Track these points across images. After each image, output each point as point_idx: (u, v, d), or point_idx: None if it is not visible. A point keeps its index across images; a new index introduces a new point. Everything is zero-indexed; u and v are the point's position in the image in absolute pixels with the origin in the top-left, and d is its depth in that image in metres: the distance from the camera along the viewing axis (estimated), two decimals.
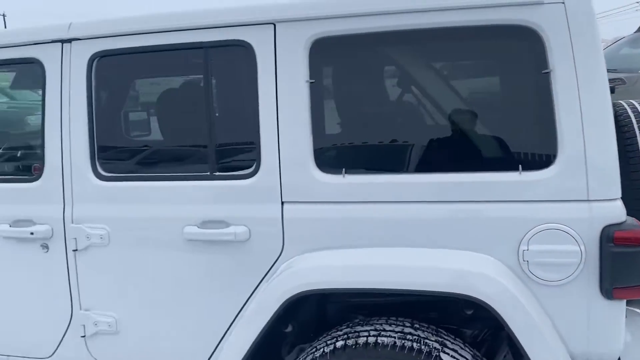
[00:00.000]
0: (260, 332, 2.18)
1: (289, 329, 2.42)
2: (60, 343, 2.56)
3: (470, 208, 2.06)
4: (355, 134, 2.25)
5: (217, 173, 2.30)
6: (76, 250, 2.45)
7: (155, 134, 2.58)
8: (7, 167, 2.82)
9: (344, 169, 2.16)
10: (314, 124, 2.18)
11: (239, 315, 2.30)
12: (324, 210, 2.18)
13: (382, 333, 2.13)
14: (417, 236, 2.09)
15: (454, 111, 2.16)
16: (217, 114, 2.30)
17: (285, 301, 2.13)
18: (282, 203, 2.23)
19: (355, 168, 2.18)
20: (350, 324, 2.26)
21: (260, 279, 2.27)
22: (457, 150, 2.12)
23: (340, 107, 2.31)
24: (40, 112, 2.52)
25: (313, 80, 2.17)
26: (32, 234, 2.47)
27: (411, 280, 2.02)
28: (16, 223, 2.53)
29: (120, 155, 2.50)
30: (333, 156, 2.23)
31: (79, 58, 2.42)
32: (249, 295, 2.29)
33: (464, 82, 2.24)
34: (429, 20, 2.05)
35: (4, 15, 36.77)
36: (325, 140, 2.23)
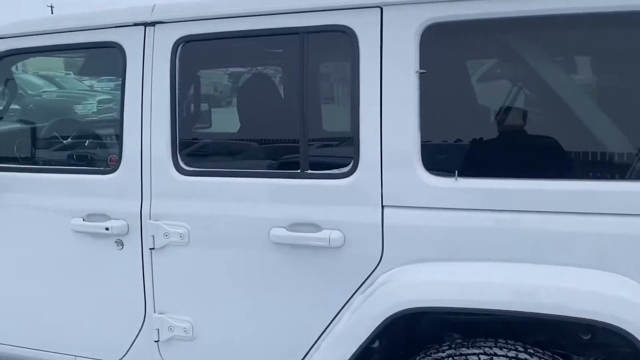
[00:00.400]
0: (354, 354, 1.96)
1: (377, 344, 2.20)
2: (131, 346, 2.41)
3: (609, 221, 1.78)
4: (471, 133, 2.00)
5: (309, 171, 2.09)
6: (153, 248, 2.28)
7: (242, 128, 2.39)
8: (81, 158, 2.68)
9: (456, 172, 1.92)
10: (422, 120, 1.94)
11: (328, 330, 2.09)
12: (431, 217, 1.94)
13: (495, 359, 1.89)
14: (544, 251, 1.83)
15: (599, 110, 1.89)
16: (311, 106, 2.09)
17: (387, 319, 1.90)
18: (383, 207, 2.00)
19: (468, 170, 1.93)
20: (453, 345, 2.02)
21: (354, 290, 2.05)
22: (604, 154, 1.85)
23: (455, 101, 2.07)
24: (117, 101, 2.37)
25: (424, 71, 1.94)
26: (107, 229, 2.32)
27: (544, 302, 1.76)
28: (90, 217, 2.38)
29: (203, 148, 2.33)
30: (443, 157, 1.99)
31: (163, 43, 2.25)
32: (340, 307, 2.07)
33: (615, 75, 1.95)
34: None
35: (51, 7, 37.36)
36: (435, 138, 1.99)
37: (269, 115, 2.28)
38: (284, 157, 2.21)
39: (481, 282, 1.85)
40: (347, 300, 2.06)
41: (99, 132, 2.79)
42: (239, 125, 2.44)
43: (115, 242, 2.35)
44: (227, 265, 2.20)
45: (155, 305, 2.34)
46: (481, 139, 1.98)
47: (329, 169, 2.08)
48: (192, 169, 2.24)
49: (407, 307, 1.88)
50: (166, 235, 2.26)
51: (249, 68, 2.59)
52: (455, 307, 1.85)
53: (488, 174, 1.91)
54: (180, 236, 2.24)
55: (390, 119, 1.96)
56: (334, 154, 2.13)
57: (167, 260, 2.28)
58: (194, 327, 2.28)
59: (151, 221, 2.28)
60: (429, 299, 1.87)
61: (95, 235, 2.37)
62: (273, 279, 2.15)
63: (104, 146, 2.62)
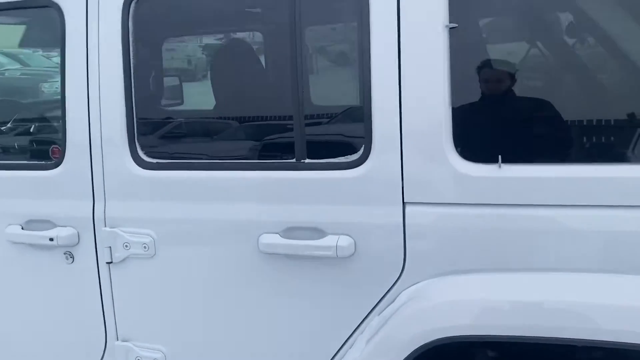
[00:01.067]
0: None
1: None
2: None
3: None
4: (521, 106, 1.55)
5: (308, 160, 1.62)
6: (111, 262, 1.81)
7: (219, 106, 1.89)
8: (17, 151, 2.16)
9: (499, 157, 1.47)
10: (453, 89, 1.48)
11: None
12: (467, 216, 1.49)
13: None
14: (623, 258, 1.40)
15: None
16: (307, 74, 1.61)
17: (415, 352, 1.47)
18: (404, 204, 1.54)
19: (517, 155, 1.48)
20: None
21: (370, 310, 1.61)
22: None
23: (498, 64, 1.60)
24: (57, 77, 1.87)
25: (455, 25, 1.47)
26: (51, 240, 1.84)
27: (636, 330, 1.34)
28: (30, 224, 1.89)
29: (170, 134, 1.84)
30: (483, 138, 1.54)
31: (111, 1, 1.74)
32: (351, 332, 1.64)
33: None
34: None
35: None
36: (470, 112, 1.53)
37: (254, 90, 1.80)
38: (275, 142, 1.74)
39: (541, 301, 1.42)
40: (359, 323, 1.62)
41: (42, 117, 2.27)
42: (214, 104, 1.94)
43: (64, 254, 1.87)
44: (206, 282, 1.74)
45: (117, 332, 1.87)
46: (537, 111, 1.52)
47: (333, 157, 1.62)
48: (155, 160, 1.75)
49: (442, 336, 1.45)
50: (126, 246, 1.78)
51: (227, 32, 2.06)
52: (508, 336, 1.42)
53: (544, 159, 1.47)
54: (144, 247, 1.77)
55: (412, 84, 1.48)
56: (339, 137, 1.67)
57: (130, 276, 1.81)
58: (167, 358, 1.83)
59: (106, 228, 1.80)
60: (472, 324, 1.44)
61: (37, 247, 1.88)
62: (264, 299, 1.69)
63: (45, 135, 2.11)
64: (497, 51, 1.60)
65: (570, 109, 1.49)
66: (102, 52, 1.75)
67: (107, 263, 1.81)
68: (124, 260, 1.79)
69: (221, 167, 1.71)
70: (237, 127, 1.84)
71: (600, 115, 1.51)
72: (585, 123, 1.50)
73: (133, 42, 1.71)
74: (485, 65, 1.57)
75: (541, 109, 1.48)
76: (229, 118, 1.89)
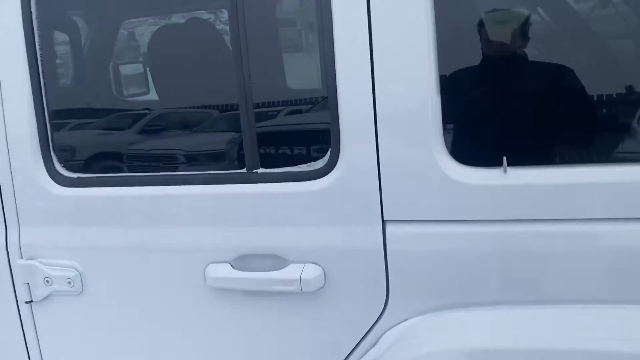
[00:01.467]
0: None
1: None
2: None
3: None
4: (539, 86, 1.19)
5: (261, 170, 1.29)
6: (31, 301, 1.48)
7: (159, 102, 1.54)
8: None
9: (504, 159, 1.14)
10: (441, 70, 1.14)
11: None
12: (466, 236, 1.17)
13: None
14: None
15: None
16: (255, 67, 1.27)
17: None
18: (384, 223, 1.22)
19: (528, 156, 1.15)
20: None
21: (347, 354, 1.29)
22: None
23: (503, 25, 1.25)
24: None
25: None
26: None
27: None
28: None
29: (93, 142, 1.50)
30: (483, 134, 1.20)
31: None
32: None
33: None
34: None
35: None
36: (462, 100, 1.19)
37: (195, 86, 1.45)
38: (220, 149, 1.40)
39: (560, 348, 1.09)
40: None
41: None
42: (152, 104, 1.60)
43: None
44: (146, 325, 1.41)
45: None
46: (561, 93, 1.17)
47: (293, 165, 1.28)
48: (76, 175, 1.42)
49: None
50: (47, 282, 1.44)
51: (159, 14, 1.68)
52: None
53: (566, 160, 1.14)
54: (69, 282, 1.43)
55: (387, 67, 1.15)
56: (302, 138, 1.33)
57: (56, 318, 1.48)
58: None
59: (22, 261, 1.46)
60: None
61: None
62: (215, 343, 1.37)
63: None
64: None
65: (607, 87, 1.14)
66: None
67: (27, 303, 1.48)
68: (46, 298, 1.47)
69: (158, 182, 1.36)
70: (177, 130, 1.50)
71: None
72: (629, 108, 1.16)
73: (38, 22, 1.36)
74: (487, 23, 1.21)
75: (567, 89, 1.14)
76: (167, 117, 1.54)
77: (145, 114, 1.54)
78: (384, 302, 1.24)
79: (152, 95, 1.78)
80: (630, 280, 1.08)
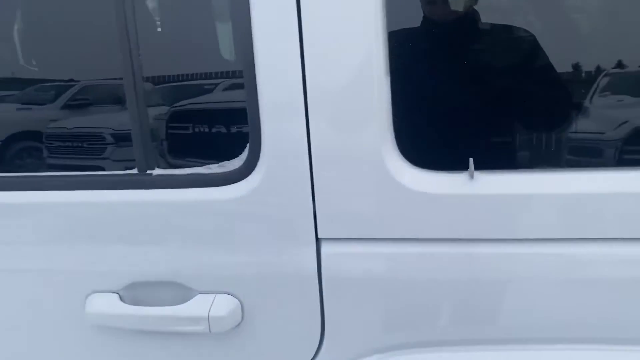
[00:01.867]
0: None
1: None
2: None
3: None
4: (518, 67, 0.93)
5: (157, 172, 0.98)
6: None
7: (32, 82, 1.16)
8: None
9: (471, 161, 0.88)
10: (392, 46, 0.87)
11: None
12: (420, 258, 0.91)
13: None
14: None
15: None
16: (149, 47, 0.94)
17: None
18: (319, 241, 0.95)
19: (500, 159, 0.90)
20: None
21: None
22: None
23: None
24: None
25: None
26: None
27: None
28: None
29: None
30: (445, 128, 0.94)
31: None
32: None
33: None
34: None
35: None
36: (419, 91, 0.93)
37: (71, 58, 1.10)
38: (108, 145, 1.07)
39: None
40: None
41: None
42: (25, 83, 1.23)
43: None
44: None
45: None
46: (545, 75, 0.92)
47: (199, 165, 0.98)
48: None
49: None
50: None
51: None
52: None
53: (546, 163, 0.89)
54: None
55: (318, 42, 0.86)
56: (210, 130, 1.03)
57: None
58: None
59: None
60: None
61: None
62: None
63: None
64: None
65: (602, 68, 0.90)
66: None
67: None
68: None
69: (17, 186, 1.03)
70: (43, 112, 1.15)
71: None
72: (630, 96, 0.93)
73: None
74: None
75: (550, 70, 0.89)
76: (40, 103, 1.19)
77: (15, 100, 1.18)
78: (317, 341, 0.97)
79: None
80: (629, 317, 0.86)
